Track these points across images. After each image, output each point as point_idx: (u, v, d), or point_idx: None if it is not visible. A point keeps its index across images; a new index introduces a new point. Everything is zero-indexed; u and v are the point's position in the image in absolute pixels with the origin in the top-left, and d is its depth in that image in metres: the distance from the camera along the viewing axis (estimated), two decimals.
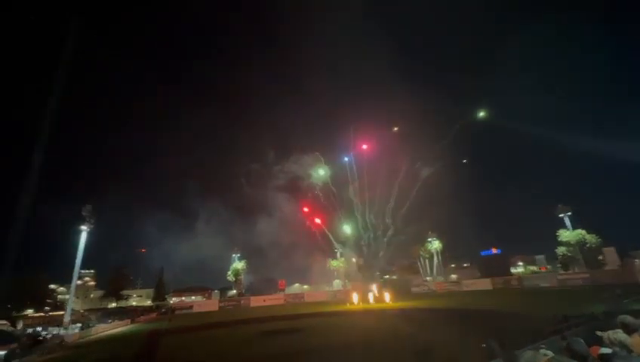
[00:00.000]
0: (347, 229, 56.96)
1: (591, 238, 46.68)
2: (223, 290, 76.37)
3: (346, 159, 58.62)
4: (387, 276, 67.04)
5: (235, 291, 68.09)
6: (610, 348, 3.05)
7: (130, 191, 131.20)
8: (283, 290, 65.73)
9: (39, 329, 30.35)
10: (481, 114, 56.10)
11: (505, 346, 7.66)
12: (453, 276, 67.79)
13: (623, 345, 3.05)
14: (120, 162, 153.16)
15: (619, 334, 3.16)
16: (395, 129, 58.15)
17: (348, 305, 39.51)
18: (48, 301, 66.01)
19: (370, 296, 40.77)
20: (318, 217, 59.20)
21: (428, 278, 63.17)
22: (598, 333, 3.67)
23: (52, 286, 71.65)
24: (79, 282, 70.41)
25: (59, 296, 72.79)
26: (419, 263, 67.55)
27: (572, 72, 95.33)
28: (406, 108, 61.49)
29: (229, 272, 66.03)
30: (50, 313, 59.58)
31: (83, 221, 40.18)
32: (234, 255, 67.58)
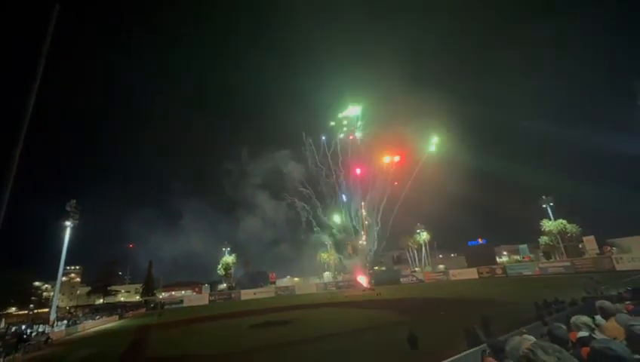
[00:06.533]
0: (336, 219, 57.69)
1: (571, 228, 48.24)
2: (214, 284, 76.07)
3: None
4: (377, 267, 67.96)
5: (225, 285, 67.90)
6: (585, 331, 3.20)
7: (118, 186, 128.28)
8: (274, 283, 65.95)
9: (24, 327, 29.60)
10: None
11: (490, 333, 7.95)
12: (441, 266, 69.09)
13: (589, 328, 3.22)
14: (108, 157, 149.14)
15: (582, 318, 3.35)
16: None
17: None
18: (33, 298, 64.40)
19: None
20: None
21: (416, 269, 64.36)
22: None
23: (37, 283, 69.82)
24: (65, 278, 68.96)
25: (44, 293, 71.10)
26: (407, 254, 68.68)
27: (559, 67, 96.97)
28: (398, 104, 61.88)
29: (219, 266, 65.75)
30: (35, 310, 58.25)
31: (67, 216, 39.12)
32: (224, 248, 67.28)
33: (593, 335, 3.08)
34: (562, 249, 48.32)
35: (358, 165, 59.61)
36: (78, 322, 35.27)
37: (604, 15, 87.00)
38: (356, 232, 58.82)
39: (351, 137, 61.48)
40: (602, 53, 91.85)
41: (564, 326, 3.25)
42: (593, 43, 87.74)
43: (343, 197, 60.07)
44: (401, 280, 55.38)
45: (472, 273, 49.43)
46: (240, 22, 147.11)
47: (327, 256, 67.18)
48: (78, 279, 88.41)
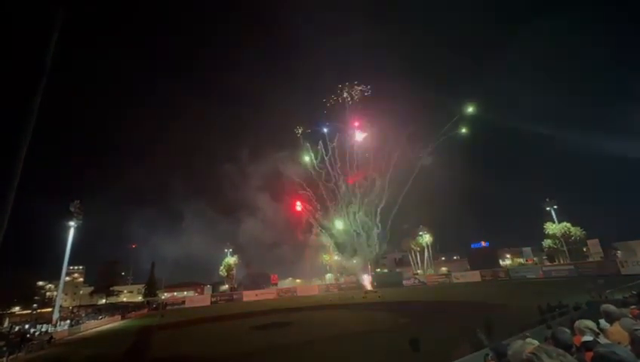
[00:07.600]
0: (339, 224, 57.76)
1: (575, 231, 47.90)
2: (216, 285, 76.15)
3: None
4: (378, 269, 67.78)
5: (227, 286, 67.97)
6: (589, 335, 3.18)
7: (121, 187, 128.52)
8: (276, 284, 65.89)
9: (27, 326, 29.79)
10: (470, 109, 56.34)
11: (492, 336, 7.89)
12: (444, 269, 68.77)
13: (593, 332, 3.20)
14: (112, 158, 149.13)
15: (586, 322, 3.33)
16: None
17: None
18: (36, 298, 64.80)
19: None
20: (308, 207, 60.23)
21: (419, 271, 64.10)
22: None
23: (40, 282, 70.27)
24: (68, 278, 69.27)
25: (47, 293, 71.49)
26: (410, 256, 68.42)
27: (560, 67, 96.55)
28: (403, 103, 61.74)
29: (221, 267, 65.87)
30: (38, 310, 58.55)
31: (71, 217, 39.38)
32: (226, 250, 67.41)
33: (597, 340, 3.06)
34: (566, 252, 47.96)
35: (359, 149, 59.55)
36: (80, 322, 35.43)
37: (604, 15, 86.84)
38: (357, 235, 58.72)
39: (355, 124, 61.10)
40: (604, 53, 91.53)
41: (568, 331, 3.22)
42: (596, 43, 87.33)
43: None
44: (403, 282, 55.16)
45: (474, 276, 49.13)
46: (239, 21, 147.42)
47: (329, 257, 67.12)
48: (81, 279, 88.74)
